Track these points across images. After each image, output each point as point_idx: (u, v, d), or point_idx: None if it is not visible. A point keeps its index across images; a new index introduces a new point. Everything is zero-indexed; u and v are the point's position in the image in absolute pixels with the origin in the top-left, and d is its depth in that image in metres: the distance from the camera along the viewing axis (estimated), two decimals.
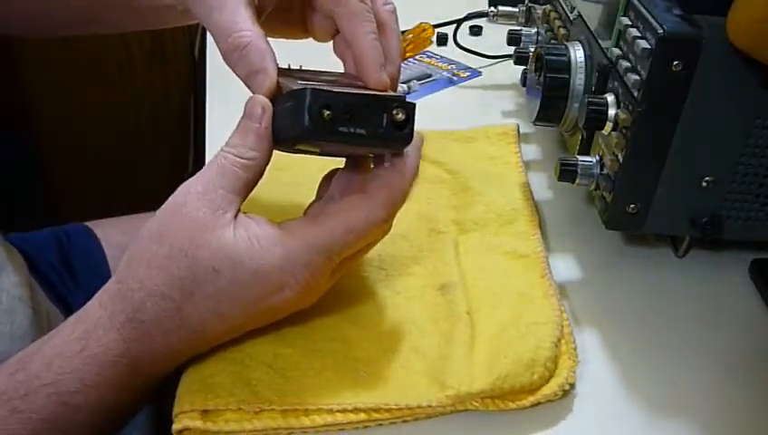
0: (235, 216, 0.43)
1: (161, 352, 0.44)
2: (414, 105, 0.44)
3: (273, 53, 0.46)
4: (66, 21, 0.71)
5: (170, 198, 0.44)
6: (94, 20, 0.70)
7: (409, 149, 0.46)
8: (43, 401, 0.42)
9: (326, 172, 0.50)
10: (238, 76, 0.47)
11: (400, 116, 0.43)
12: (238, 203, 0.44)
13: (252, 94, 0.46)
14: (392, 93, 0.47)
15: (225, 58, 0.47)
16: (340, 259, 0.44)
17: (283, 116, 0.44)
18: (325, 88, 0.42)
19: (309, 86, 0.42)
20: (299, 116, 0.41)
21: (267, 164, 0.45)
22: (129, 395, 0.45)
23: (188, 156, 1.43)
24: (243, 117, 0.45)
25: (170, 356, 0.45)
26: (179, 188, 0.44)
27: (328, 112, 0.41)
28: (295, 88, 0.43)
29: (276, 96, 0.45)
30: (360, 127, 0.42)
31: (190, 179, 0.44)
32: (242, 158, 0.43)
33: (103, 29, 0.74)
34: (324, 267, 0.44)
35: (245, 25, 0.46)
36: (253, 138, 0.44)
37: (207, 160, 0.70)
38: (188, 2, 0.49)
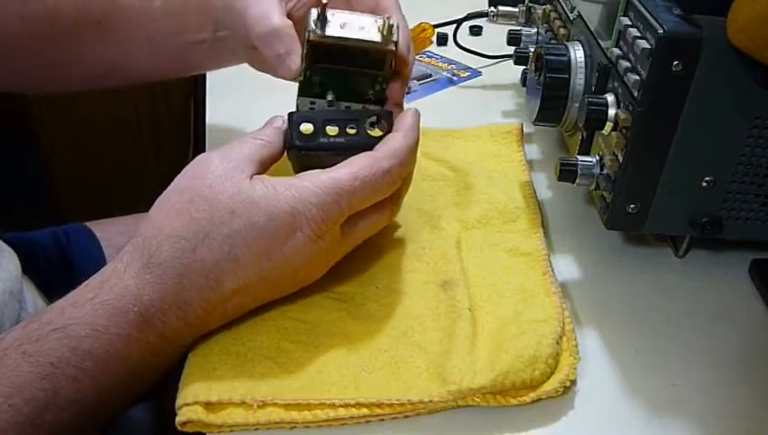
0: (251, 176, 0.47)
1: (172, 299, 0.45)
2: (390, 113, 0.52)
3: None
4: (82, 75, 0.67)
5: (189, 166, 0.48)
6: (115, 70, 0.66)
7: (407, 113, 0.52)
8: (52, 344, 0.43)
9: None
10: (268, 58, 0.54)
11: (377, 131, 0.51)
12: (255, 169, 0.48)
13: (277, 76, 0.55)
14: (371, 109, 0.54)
15: (258, 40, 0.55)
16: (350, 209, 0.48)
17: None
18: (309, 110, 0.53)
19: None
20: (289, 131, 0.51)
21: (281, 154, 0.51)
22: (137, 351, 0.46)
23: (188, 156, 1.43)
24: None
25: (181, 307, 0.46)
26: (199, 157, 0.48)
27: (308, 127, 0.50)
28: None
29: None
30: (339, 137, 0.50)
31: (208, 152, 0.49)
32: (259, 139, 0.50)
33: (126, 79, 0.69)
34: (335, 212, 0.47)
35: (279, 15, 0.54)
36: (271, 129, 0.51)
37: None
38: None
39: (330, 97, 0.53)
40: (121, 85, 0.71)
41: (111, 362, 0.45)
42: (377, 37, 0.50)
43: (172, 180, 0.48)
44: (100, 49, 0.64)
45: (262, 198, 0.45)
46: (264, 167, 0.49)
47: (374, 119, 0.51)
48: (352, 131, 0.51)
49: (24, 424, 0.42)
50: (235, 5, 0.57)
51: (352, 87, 0.53)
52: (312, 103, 0.54)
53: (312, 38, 0.50)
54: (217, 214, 0.45)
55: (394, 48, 0.51)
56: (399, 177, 0.50)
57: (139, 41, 0.64)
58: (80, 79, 0.68)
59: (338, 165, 0.48)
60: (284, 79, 0.55)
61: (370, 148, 0.50)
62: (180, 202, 0.46)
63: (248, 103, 0.77)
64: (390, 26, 0.50)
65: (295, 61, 0.53)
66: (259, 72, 0.63)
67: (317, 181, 0.46)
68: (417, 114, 0.52)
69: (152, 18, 0.63)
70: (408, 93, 0.82)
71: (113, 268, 0.46)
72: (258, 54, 0.57)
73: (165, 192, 0.48)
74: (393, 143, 0.50)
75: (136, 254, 0.46)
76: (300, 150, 0.50)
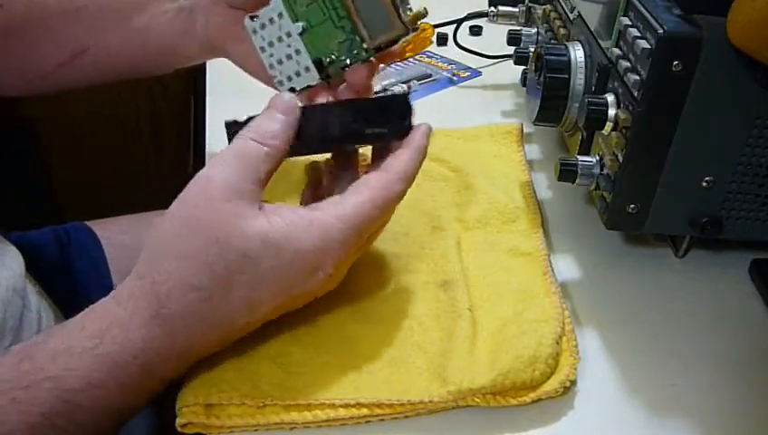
0: (260, 205, 0.43)
1: (178, 350, 0.43)
2: (405, 98, 0.49)
3: None
4: (52, 62, 0.63)
5: (189, 190, 0.43)
6: (84, 52, 0.62)
7: (417, 131, 0.49)
8: (44, 395, 0.41)
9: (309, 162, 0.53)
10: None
11: (377, 130, 0.48)
12: (261, 193, 0.44)
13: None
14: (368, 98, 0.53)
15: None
16: (367, 235, 0.46)
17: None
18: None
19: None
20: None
21: (285, 157, 0.46)
22: (134, 398, 0.44)
23: (188, 156, 1.43)
24: (269, 107, 0.46)
25: (186, 354, 0.44)
26: (198, 179, 0.44)
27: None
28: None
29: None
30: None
31: (207, 169, 0.44)
32: (264, 145, 0.44)
33: (96, 66, 0.64)
34: (355, 244, 0.45)
35: None
36: (278, 126, 0.45)
37: (207, 161, 0.70)
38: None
39: (300, 27, 0.50)
40: (92, 78, 0.66)
41: (105, 411, 0.43)
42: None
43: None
44: (71, 30, 0.62)
45: (282, 239, 0.42)
46: (267, 181, 0.45)
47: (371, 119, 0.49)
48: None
49: None
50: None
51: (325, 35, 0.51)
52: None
53: None
54: (235, 260, 0.41)
55: (403, 33, 0.50)
56: (405, 195, 0.48)
57: (108, 18, 0.62)
58: (50, 66, 0.64)
59: (353, 190, 0.45)
60: None
61: (362, 136, 0.48)
62: (189, 247, 0.42)
63: (248, 103, 0.77)
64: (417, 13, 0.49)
65: None
66: None
67: (341, 215, 0.44)
68: (429, 130, 0.49)
69: None
70: (408, 93, 0.82)
71: (114, 314, 0.42)
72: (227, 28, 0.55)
73: (165, 218, 0.43)
74: (405, 165, 0.47)
75: (142, 301, 0.42)
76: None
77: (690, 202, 0.53)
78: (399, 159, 0.47)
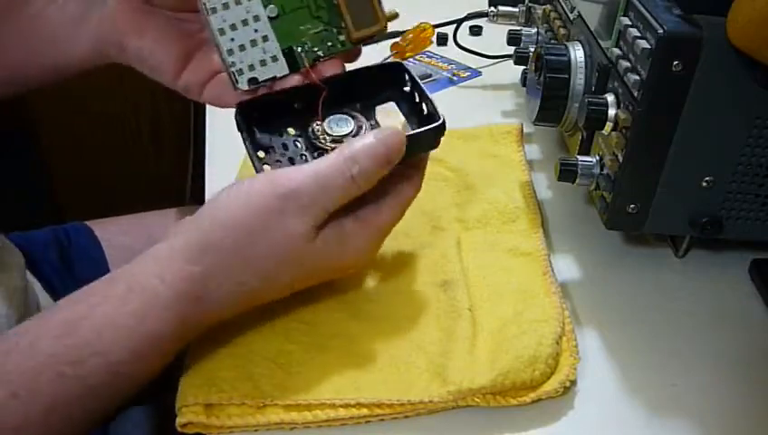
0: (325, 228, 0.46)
1: (207, 323, 0.46)
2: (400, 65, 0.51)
3: None
4: None
5: (260, 193, 0.44)
6: None
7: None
8: (91, 369, 0.42)
9: None
10: None
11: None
12: (327, 216, 0.45)
13: None
14: None
15: None
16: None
17: None
18: None
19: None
20: None
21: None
22: (169, 356, 0.46)
23: (188, 156, 1.43)
24: (380, 139, 0.45)
25: (212, 324, 0.46)
26: (275, 185, 0.44)
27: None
28: None
29: None
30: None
31: (291, 172, 0.44)
32: (357, 184, 0.44)
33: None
34: (381, 245, 0.49)
35: None
36: (377, 168, 0.45)
37: (207, 161, 0.70)
38: None
39: (273, 11, 0.48)
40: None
41: (145, 379, 0.45)
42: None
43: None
44: None
45: (335, 253, 0.46)
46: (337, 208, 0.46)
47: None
48: None
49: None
50: None
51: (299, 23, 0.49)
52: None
53: None
54: (286, 269, 0.45)
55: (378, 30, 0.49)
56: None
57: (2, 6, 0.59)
58: None
59: (390, 197, 0.48)
60: None
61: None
62: (250, 252, 0.44)
63: None
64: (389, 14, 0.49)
65: None
66: None
67: (381, 226, 0.48)
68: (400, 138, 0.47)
69: None
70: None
71: (156, 292, 0.43)
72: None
73: (222, 216, 0.44)
74: (420, 168, 0.51)
75: (191, 286, 0.44)
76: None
77: (690, 202, 0.53)
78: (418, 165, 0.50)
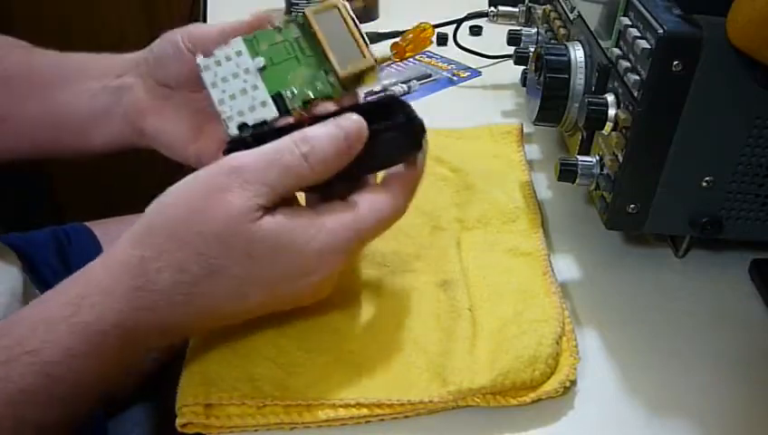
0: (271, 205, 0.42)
1: (160, 324, 0.42)
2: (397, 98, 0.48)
3: None
4: None
5: (207, 172, 0.42)
6: (4, 120, 0.60)
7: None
8: (22, 370, 0.40)
9: None
10: None
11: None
12: (276, 200, 0.42)
13: None
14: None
15: None
16: (365, 245, 0.46)
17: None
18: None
19: None
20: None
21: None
22: (115, 369, 0.44)
23: None
24: (336, 123, 0.43)
25: (168, 329, 0.43)
26: (222, 164, 0.42)
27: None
28: None
29: None
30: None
31: (237, 156, 0.42)
32: (307, 165, 0.42)
33: (17, 132, 0.61)
34: (354, 253, 0.45)
35: None
36: (333, 153, 0.43)
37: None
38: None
39: (260, 62, 0.49)
40: (9, 149, 0.63)
41: (86, 383, 0.43)
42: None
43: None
44: None
45: (288, 244, 0.42)
46: (290, 194, 0.44)
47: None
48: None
49: None
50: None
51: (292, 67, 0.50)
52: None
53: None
54: (233, 256, 0.41)
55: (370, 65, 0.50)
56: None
57: (31, 90, 0.60)
58: None
59: (360, 198, 0.44)
60: None
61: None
62: (188, 231, 0.41)
63: None
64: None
65: None
66: None
67: (346, 223, 0.43)
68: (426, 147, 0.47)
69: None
70: (408, 93, 0.82)
71: (98, 280, 0.42)
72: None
73: (168, 200, 0.43)
74: (408, 180, 0.47)
75: (131, 271, 0.41)
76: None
77: (690, 202, 0.53)
78: (404, 177, 0.46)
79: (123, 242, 0.43)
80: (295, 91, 0.50)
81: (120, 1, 1.59)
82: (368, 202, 0.44)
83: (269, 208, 0.42)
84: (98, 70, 0.59)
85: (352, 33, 0.50)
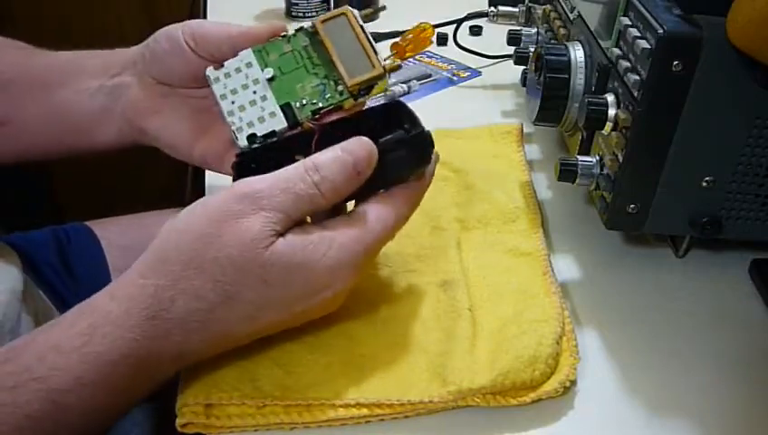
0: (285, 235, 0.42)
1: (173, 352, 0.42)
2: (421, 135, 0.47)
3: None
4: None
5: (218, 199, 0.42)
6: (6, 124, 0.60)
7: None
8: (29, 397, 0.40)
9: None
10: None
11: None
12: (290, 225, 0.43)
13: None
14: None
15: None
16: (373, 258, 0.46)
17: None
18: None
19: None
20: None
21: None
22: (125, 399, 0.44)
23: None
24: (345, 149, 0.44)
25: (180, 356, 0.43)
26: (234, 190, 0.42)
27: None
28: None
29: None
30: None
31: (249, 181, 0.42)
32: (320, 193, 0.42)
33: (19, 135, 0.61)
34: (364, 266, 0.45)
35: None
36: (344, 180, 0.43)
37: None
38: None
39: (269, 73, 0.50)
40: (12, 152, 0.62)
41: (94, 412, 0.42)
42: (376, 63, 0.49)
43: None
44: None
45: (301, 263, 0.42)
46: (302, 219, 0.43)
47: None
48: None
49: None
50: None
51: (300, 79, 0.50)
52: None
53: None
54: (248, 283, 0.41)
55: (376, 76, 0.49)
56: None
57: (33, 92, 0.60)
58: None
59: (365, 211, 0.45)
60: None
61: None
62: (202, 258, 0.41)
63: None
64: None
65: None
66: None
67: (354, 238, 0.43)
68: (437, 158, 0.48)
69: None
70: (408, 93, 0.82)
71: (107, 311, 0.41)
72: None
73: (180, 226, 0.42)
74: (413, 189, 0.47)
75: (142, 301, 0.41)
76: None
77: (690, 202, 0.53)
78: (408, 187, 0.47)
79: (132, 272, 0.42)
80: (304, 102, 0.50)
81: (120, 1, 1.59)
82: (374, 214, 0.45)
83: (281, 232, 0.42)
84: (95, 68, 0.59)
85: (361, 42, 0.49)
